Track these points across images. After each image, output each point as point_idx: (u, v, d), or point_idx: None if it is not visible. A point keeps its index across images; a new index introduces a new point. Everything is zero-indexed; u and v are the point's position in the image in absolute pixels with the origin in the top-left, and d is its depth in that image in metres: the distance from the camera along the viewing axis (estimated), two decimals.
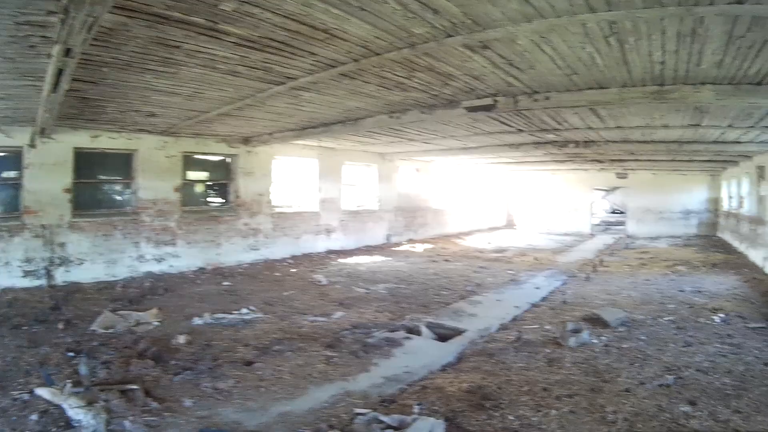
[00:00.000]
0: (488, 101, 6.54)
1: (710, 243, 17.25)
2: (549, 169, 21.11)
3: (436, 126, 9.41)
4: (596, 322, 6.66)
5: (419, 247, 15.16)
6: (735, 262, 12.37)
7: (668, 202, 20.83)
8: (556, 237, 19.78)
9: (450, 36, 4.20)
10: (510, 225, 23.90)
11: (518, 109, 6.59)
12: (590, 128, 9.17)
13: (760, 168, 11.64)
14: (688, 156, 13.14)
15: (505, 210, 24.20)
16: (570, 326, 6.09)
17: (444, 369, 5.07)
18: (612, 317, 6.69)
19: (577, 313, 7.24)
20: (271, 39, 4.28)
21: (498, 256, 13.80)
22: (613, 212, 29.33)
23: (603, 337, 6.06)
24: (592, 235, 21.10)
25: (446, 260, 12.65)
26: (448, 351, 5.60)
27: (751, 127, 8.13)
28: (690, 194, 20.56)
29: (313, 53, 4.66)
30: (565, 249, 15.98)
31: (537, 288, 9.21)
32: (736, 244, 15.19)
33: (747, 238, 13.24)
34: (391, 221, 15.94)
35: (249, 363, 4.94)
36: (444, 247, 15.53)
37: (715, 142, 10.08)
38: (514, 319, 7.02)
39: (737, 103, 6.02)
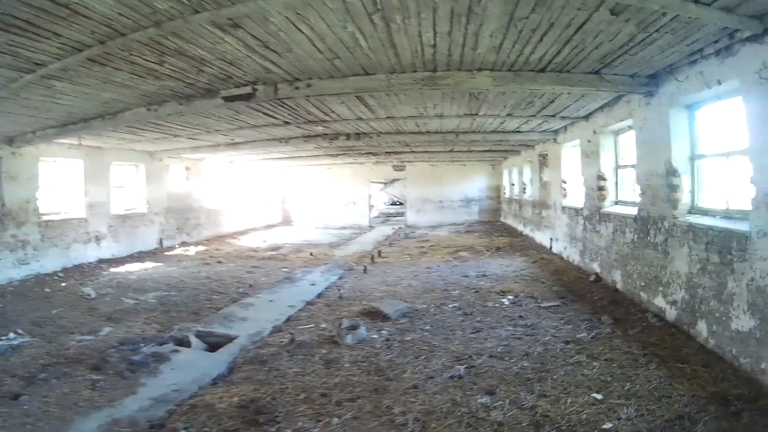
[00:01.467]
0: (247, 90, 6.04)
1: (493, 228, 19.32)
2: (324, 164, 21.72)
3: (197, 119, 8.61)
4: (375, 315, 6.58)
5: (192, 250, 14.36)
6: (521, 244, 13.81)
7: (448, 192, 22.72)
8: (334, 231, 20.18)
9: (197, 12, 3.76)
10: (287, 222, 24.05)
11: (279, 99, 6.18)
12: (360, 119, 9.17)
13: (543, 156, 13.36)
14: (467, 146, 14.60)
15: (282, 206, 24.37)
16: (346, 323, 5.87)
17: (215, 382, 4.61)
18: (392, 309, 6.61)
19: (354, 307, 7.14)
20: (13, 17, 3.67)
21: (273, 254, 13.52)
22: (393, 204, 31.26)
23: (384, 331, 5.95)
24: (371, 228, 21.97)
25: (219, 262, 12.08)
26: (218, 361, 5.17)
27: (533, 116, 8.98)
28: (470, 183, 22.71)
29: (57, 34, 4.06)
30: (342, 243, 16.26)
31: (312, 284, 9.05)
32: (520, 227, 17.22)
33: (531, 221, 15.11)
34: (162, 224, 14.82)
35: (16, 396, 4.33)
36: (218, 248, 14.81)
37: (495, 131, 11.07)
38: (288, 320, 6.69)
39: (517, 90, 6.37)
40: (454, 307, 7.11)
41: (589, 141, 8.93)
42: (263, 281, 9.49)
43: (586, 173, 9.22)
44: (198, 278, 9.83)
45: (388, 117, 9.07)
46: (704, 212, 5.44)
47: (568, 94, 6.88)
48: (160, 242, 14.58)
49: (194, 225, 16.63)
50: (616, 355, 4.84)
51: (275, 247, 14.90)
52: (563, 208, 10.99)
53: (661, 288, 5.99)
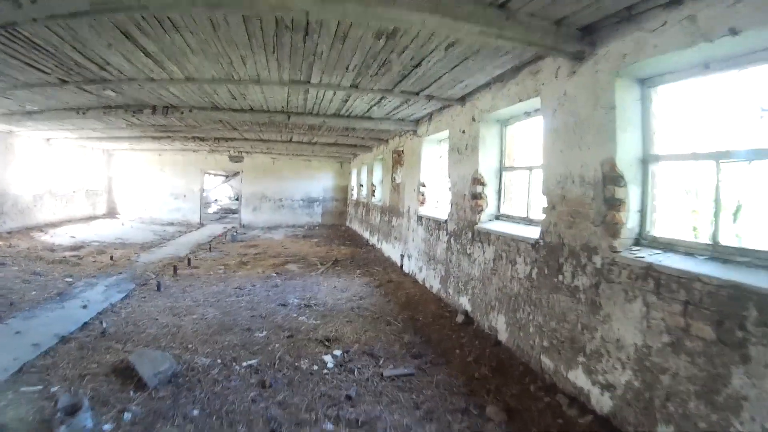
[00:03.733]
0: None
1: (336, 234, 17.02)
2: (154, 149, 18.42)
3: None
4: (127, 378, 4.05)
5: None
6: (365, 257, 11.48)
7: (289, 189, 20.43)
8: (157, 228, 16.94)
9: None
10: (112, 214, 19.85)
11: None
12: (152, 79, 6.06)
13: (398, 153, 11.16)
14: (308, 136, 11.94)
15: (107, 196, 20.05)
16: (64, 399, 3.50)
17: None
18: (152, 369, 4.10)
19: (110, 356, 4.62)
20: None
21: (70, 255, 10.21)
22: (237, 199, 28.45)
23: (126, 416, 3.43)
24: (201, 225, 18.99)
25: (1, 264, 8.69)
26: None
27: (388, 90, 6.45)
28: (315, 181, 20.48)
29: None
30: (159, 243, 13.16)
31: (84, 306, 6.35)
32: (366, 235, 15.00)
33: (380, 230, 12.84)
34: None
35: None
36: (12, 244, 11.16)
37: (339, 115, 8.55)
38: (19, 372, 4.13)
39: (359, 20, 3.88)
40: (250, 367, 4.53)
41: (463, 132, 6.78)
42: (32, 296, 6.70)
43: (455, 175, 7.07)
44: None
45: (188, 79, 6.02)
46: (669, 246, 3.39)
47: (447, 45, 4.46)
48: None
49: None
50: None
51: (78, 246, 11.56)
52: (420, 218, 8.82)
53: (583, 359, 3.84)
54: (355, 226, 17.78)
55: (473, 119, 6.40)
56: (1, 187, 12.87)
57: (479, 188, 6.31)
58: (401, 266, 9.80)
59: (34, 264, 8.90)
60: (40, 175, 14.69)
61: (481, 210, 6.26)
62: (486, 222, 6.22)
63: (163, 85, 6.37)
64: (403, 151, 10.79)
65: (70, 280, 7.82)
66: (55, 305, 6.33)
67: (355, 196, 18.63)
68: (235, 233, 15.99)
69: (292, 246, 13.31)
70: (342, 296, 7.41)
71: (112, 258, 9.99)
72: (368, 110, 8.11)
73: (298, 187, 20.22)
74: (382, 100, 7.22)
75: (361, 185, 16.89)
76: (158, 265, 9.56)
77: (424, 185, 8.95)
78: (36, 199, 14.57)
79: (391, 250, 11.15)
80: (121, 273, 8.57)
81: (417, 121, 9.12)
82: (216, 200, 35.01)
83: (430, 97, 6.70)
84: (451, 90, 6.34)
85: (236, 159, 19.31)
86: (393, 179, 11.30)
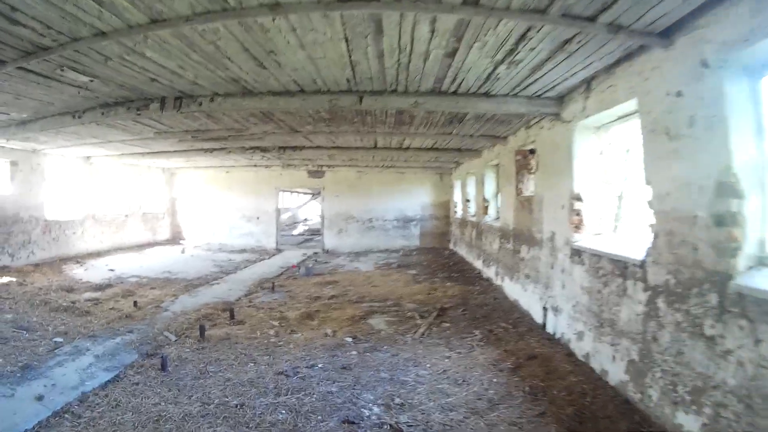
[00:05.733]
0: None
1: (439, 261, 13.91)
2: (218, 166, 16.88)
3: None
4: None
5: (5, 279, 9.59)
6: (481, 302, 8.20)
7: (379, 208, 17.82)
8: (223, 256, 15.17)
9: None
10: (176, 239, 18.59)
11: None
12: (107, 36, 3.71)
13: (524, 153, 8.00)
14: (397, 137, 9.09)
15: (171, 220, 18.89)
16: None
17: None
18: None
19: None
20: None
21: (88, 297, 8.50)
22: None
23: None
24: (278, 251, 17.00)
25: None
26: None
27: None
28: (410, 197, 17.65)
29: None
30: (214, 278, 11.02)
31: (40, 397, 4.18)
32: (478, 265, 11.79)
33: (499, 260, 9.61)
34: None
35: None
36: (32, 281, 9.67)
37: (437, 92, 5.65)
38: None
39: None
40: None
41: (678, 95, 3.50)
42: None
43: (663, 178, 3.76)
44: None
45: (154, 21, 3.56)
46: None
47: None
48: None
49: (21, 243, 11.64)
50: None
51: (106, 285, 9.68)
52: (577, 252, 5.50)
53: None
54: (462, 251, 14.59)
55: (703, 65, 3.10)
56: (28, 213, 11.75)
57: (733, 204, 2.98)
58: (544, 325, 6.45)
59: (33, 311, 7.11)
60: (79, 198, 13.59)
61: (737, 248, 2.92)
62: (751, 273, 2.87)
63: (138, 51, 3.97)
64: (533, 150, 7.56)
65: (60, 340, 5.82)
66: (3, 389, 4.24)
67: (459, 214, 15.50)
68: (312, 263, 13.72)
69: (382, 281, 10.52)
70: (457, 400, 4.29)
71: (135, 304, 7.93)
72: (489, 77, 5.08)
73: (390, 204, 17.57)
74: (520, 47, 4.11)
75: (468, 200, 13.71)
76: (191, 317, 7.22)
77: (579, 199, 5.64)
78: (75, 225, 13.44)
79: (520, 293, 7.84)
80: (131, 332, 6.37)
81: (561, 99, 5.90)
82: (306, 220, 33.83)
83: (615, 28, 3.49)
84: (659, 8, 3.10)
85: (316, 174, 17.25)
86: (519, 191, 8.03)
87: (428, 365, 5.17)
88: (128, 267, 12.07)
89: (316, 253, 16.64)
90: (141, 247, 16.19)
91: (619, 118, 5.09)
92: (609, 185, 5.63)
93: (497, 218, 10.49)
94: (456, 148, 10.93)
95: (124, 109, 6.42)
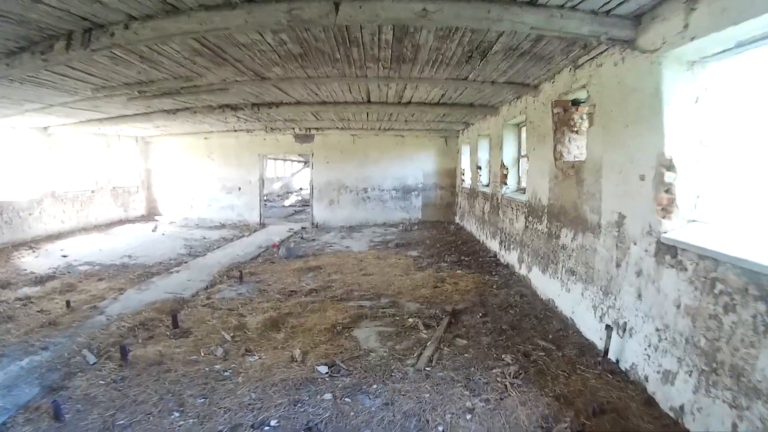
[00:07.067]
0: None
1: (444, 239, 11.98)
2: (196, 132, 14.74)
3: None
4: None
5: None
6: (505, 302, 6.33)
7: (376, 176, 15.84)
8: (199, 233, 13.45)
9: None
10: (152, 215, 16.82)
11: None
12: None
13: (563, 105, 5.98)
14: (395, 81, 6.91)
15: (146, 194, 17.04)
16: None
17: None
18: None
19: None
20: None
21: (25, 294, 6.92)
22: None
23: None
24: (262, 226, 15.29)
25: None
26: None
27: None
28: (411, 163, 15.59)
29: None
30: (178, 263, 9.35)
31: None
32: (493, 246, 9.86)
33: (523, 244, 7.70)
34: None
35: None
36: None
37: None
38: None
39: None
40: None
41: None
42: None
43: None
44: None
45: None
46: None
47: None
48: None
49: None
50: None
51: (49, 276, 8.05)
52: (670, 248, 3.63)
53: None
54: (471, 227, 12.71)
55: None
56: None
57: None
58: (605, 351, 4.46)
59: None
60: (36, 174, 11.84)
61: None
62: None
63: None
64: (577, 101, 5.61)
65: None
66: None
67: (468, 183, 13.54)
68: (296, 241, 11.91)
69: (377, 268, 8.67)
70: None
71: (68, 305, 6.25)
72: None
73: (389, 172, 15.56)
74: None
75: (479, 167, 11.74)
76: (127, 323, 5.59)
77: (671, 167, 3.72)
78: (31, 205, 11.68)
79: (557, 292, 5.96)
80: (46, 348, 4.89)
81: (638, 19, 3.93)
82: (301, 189, 31.88)
83: None
84: None
85: (304, 138, 15.18)
86: (558, 155, 6.04)
87: (441, 428, 3.36)
88: (86, 251, 10.39)
89: (304, 228, 14.81)
90: (110, 225, 14.50)
91: (738, 45, 3.16)
92: (706, 149, 3.73)
93: (520, 190, 8.57)
94: (468, 103, 8.90)
95: (28, 54, 4.65)
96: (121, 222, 15.14)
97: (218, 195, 16.04)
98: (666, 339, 3.65)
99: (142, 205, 16.71)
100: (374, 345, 4.93)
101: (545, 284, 6.43)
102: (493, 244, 9.81)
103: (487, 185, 11.02)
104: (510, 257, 8.45)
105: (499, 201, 9.38)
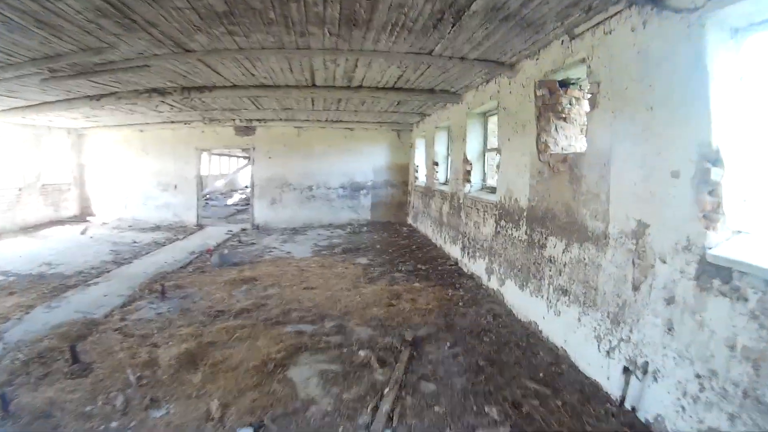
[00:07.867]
0: None
1: (397, 242, 10.95)
2: (133, 123, 13.12)
3: None
4: None
5: None
6: (476, 323, 5.37)
7: (322, 172, 14.40)
8: (131, 236, 11.94)
9: None
10: (84, 215, 14.86)
11: None
12: None
13: (549, 86, 5.00)
14: (344, 54, 5.76)
15: (79, 192, 15.10)
16: None
17: None
18: None
19: None
20: None
21: None
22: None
23: None
24: (199, 227, 13.84)
25: None
26: None
27: None
28: (361, 158, 14.46)
29: None
30: (98, 273, 7.84)
31: None
32: (453, 252, 8.87)
33: (494, 252, 6.72)
34: None
35: None
36: None
37: None
38: None
39: None
40: None
41: None
42: None
43: None
44: None
45: None
46: None
47: None
48: None
49: None
50: None
51: None
52: (722, 269, 2.71)
53: None
54: (426, 229, 11.72)
55: None
56: None
57: None
58: (621, 400, 3.48)
59: None
60: None
61: None
62: None
63: None
64: (565, 82, 4.68)
65: None
66: None
67: (422, 181, 12.56)
68: (231, 246, 10.48)
69: (321, 279, 7.42)
70: None
71: None
72: None
73: (336, 167, 14.36)
74: None
75: (436, 163, 10.75)
76: (22, 356, 4.32)
77: (717, 162, 2.78)
78: None
79: (542, 313, 4.98)
80: None
81: None
82: (246, 187, 29.98)
83: None
84: None
85: (245, 131, 13.75)
86: (542, 147, 5.07)
87: None
88: (4, 258, 8.87)
89: (244, 229, 13.36)
90: (38, 227, 12.73)
91: None
92: (751, 140, 2.87)
93: (487, 188, 7.64)
94: (428, 88, 7.86)
95: None
96: (51, 223, 13.33)
97: (154, 193, 14.33)
98: (712, 389, 2.71)
99: (74, 204, 14.79)
100: (315, 392, 3.74)
101: (525, 303, 5.45)
102: (454, 250, 8.82)
103: (446, 183, 10.05)
104: (475, 267, 7.46)
105: (461, 201, 8.39)
